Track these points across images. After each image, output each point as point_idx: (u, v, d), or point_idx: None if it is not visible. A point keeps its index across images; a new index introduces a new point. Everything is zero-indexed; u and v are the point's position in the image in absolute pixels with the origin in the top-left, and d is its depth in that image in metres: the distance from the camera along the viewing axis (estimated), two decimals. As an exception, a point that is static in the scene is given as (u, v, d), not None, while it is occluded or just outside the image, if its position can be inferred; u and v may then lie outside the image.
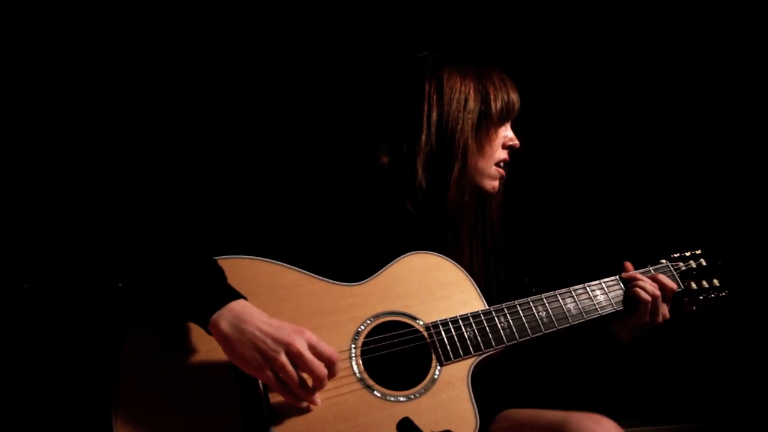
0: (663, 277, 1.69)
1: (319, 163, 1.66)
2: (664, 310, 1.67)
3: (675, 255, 1.80)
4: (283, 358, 1.24)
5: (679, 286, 1.72)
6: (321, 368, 1.27)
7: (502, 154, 1.74)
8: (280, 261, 1.48)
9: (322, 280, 1.49)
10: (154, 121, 1.98)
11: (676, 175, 2.57)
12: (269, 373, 1.25)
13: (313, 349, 1.27)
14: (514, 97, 1.72)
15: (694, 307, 1.74)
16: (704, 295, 1.73)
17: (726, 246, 1.82)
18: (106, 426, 1.24)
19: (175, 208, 1.48)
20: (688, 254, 1.79)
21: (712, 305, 1.75)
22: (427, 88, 1.66)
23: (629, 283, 1.69)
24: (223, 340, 1.26)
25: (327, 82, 2.19)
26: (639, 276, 1.69)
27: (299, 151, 1.83)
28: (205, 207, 1.53)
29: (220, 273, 1.35)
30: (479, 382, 1.59)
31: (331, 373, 1.30)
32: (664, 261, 1.78)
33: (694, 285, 1.74)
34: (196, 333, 1.35)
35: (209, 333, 1.28)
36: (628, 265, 1.74)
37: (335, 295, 1.49)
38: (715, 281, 1.75)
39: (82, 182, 1.89)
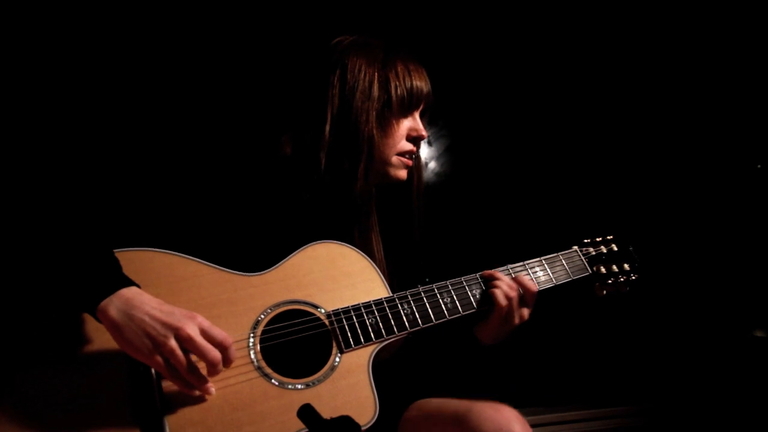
0: (524, 278, 1.65)
1: (221, 154, 1.66)
2: (523, 312, 1.64)
3: (586, 240, 1.82)
4: (173, 342, 1.24)
5: (586, 270, 1.74)
6: (213, 352, 1.26)
7: (407, 146, 1.70)
8: (182, 253, 1.48)
9: (222, 270, 1.49)
10: (53, 108, 1.95)
11: (593, 165, 2.61)
12: (159, 359, 1.24)
13: (205, 334, 1.27)
14: (420, 84, 1.68)
15: (604, 291, 1.77)
16: (613, 279, 1.75)
17: (638, 232, 1.85)
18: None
19: (73, 198, 1.46)
20: (599, 239, 1.82)
21: (622, 290, 1.78)
22: (331, 77, 1.64)
23: (488, 282, 1.66)
24: (113, 326, 1.24)
25: (235, 72, 2.17)
26: (498, 275, 1.66)
27: (201, 142, 1.82)
28: (104, 198, 1.52)
29: (114, 262, 1.34)
30: (389, 373, 1.61)
31: (225, 359, 1.30)
32: (574, 247, 1.80)
33: (603, 269, 1.76)
34: (92, 325, 1.34)
35: (99, 320, 1.27)
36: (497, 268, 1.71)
37: (235, 285, 1.48)
38: (626, 266, 1.77)
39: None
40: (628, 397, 2.52)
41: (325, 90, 1.64)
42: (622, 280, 1.75)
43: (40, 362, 1.28)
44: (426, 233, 1.84)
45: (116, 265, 1.34)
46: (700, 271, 2.43)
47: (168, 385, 1.32)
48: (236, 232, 1.55)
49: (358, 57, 1.66)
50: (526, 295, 1.64)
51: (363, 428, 1.38)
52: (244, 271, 1.51)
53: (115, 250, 1.38)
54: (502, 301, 1.60)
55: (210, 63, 2.14)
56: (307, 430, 1.28)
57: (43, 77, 1.98)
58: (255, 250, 1.53)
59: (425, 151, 2.76)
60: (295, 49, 1.91)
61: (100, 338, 1.34)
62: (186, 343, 1.25)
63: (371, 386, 1.45)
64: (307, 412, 1.23)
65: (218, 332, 1.29)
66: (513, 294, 1.61)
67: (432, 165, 2.73)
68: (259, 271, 1.52)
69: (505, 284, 1.62)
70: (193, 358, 1.29)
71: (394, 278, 1.71)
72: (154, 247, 1.46)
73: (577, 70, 2.62)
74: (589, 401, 2.50)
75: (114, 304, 1.25)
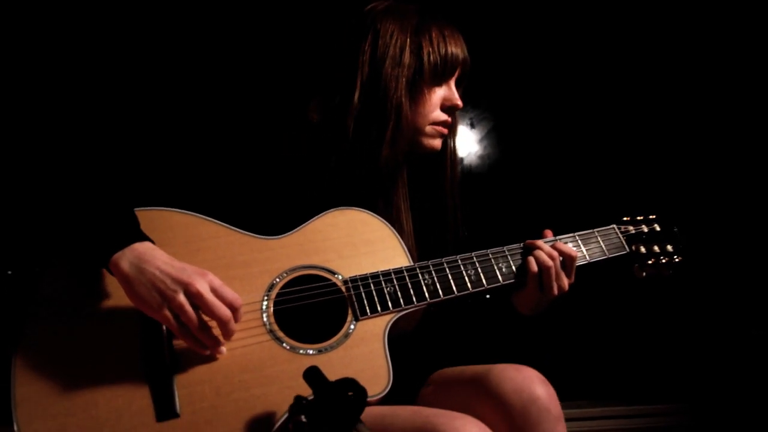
0: (563, 245, 1.57)
1: (247, 118, 1.64)
2: (562, 282, 1.55)
3: (625, 218, 1.71)
4: (182, 297, 1.22)
5: (624, 249, 1.63)
6: (222, 309, 1.24)
7: (441, 115, 1.63)
8: (202, 214, 1.47)
9: (240, 232, 1.47)
10: (83, 70, 1.99)
11: (639, 146, 2.48)
12: (167, 313, 1.23)
13: (215, 292, 1.25)
14: (455, 51, 1.60)
15: (644, 273, 1.65)
16: (654, 259, 1.63)
17: (684, 215, 1.72)
18: (7, 372, 1.25)
19: (98, 158, 1.47)
20: (639, 218, 1.70)
21: (664, 273, 1.65)
22: (362, 43, 1.59)
23: (525, 252, 1.58)
24: (124, 279, 1.24)
25: (264, 36, 2.14)
26: (538, 244, 1.57)
27: (227, 106, 1.80)
28: (128, 160, 1.52)
29: (131, 218, 1.34)
30: (412, 346, 1.55)
31: (235, 319, 1.27)
32: (612, 225, 1.69)
33: (643, 249, 1.64)
34: (109, 281, 1.34)
35: (112, 273, 1.27)
36: (548, 233, 1.64)
37: (252, 247, 1.46)
38: (669, 247, 1.65)
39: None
40: (666, 395, 2.37)
41: (356, 57, 1.59)
42: (664, 261, 1.63)
43: (58, 317, 1.29)
44: (465, 213, 1.77)
45: (133, 221, 1.34)
46: (752, 260, 2.26)
47: (178, 343, 1.31)
48: (258, 196, 1.53)
49: (390, 22, 1.59)
50: (566, 262, 1.55)
51: (376, 397, 1.33)
52: (261, 235, 1.48)
53: (135, 209, 1.39)
54: (535, 267, 1.53)
55: (237, 27, 2.12)
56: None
57: (82, 51, 2.02)
58: (276, 215, 1.50)
59: (468, 135, 2.69)
60: (328, 15, 1.86)
61: (116, 295, 1.34)
62: (195, 298, 1.23)
63: (386, 356, 1.39)
64: (312, 374, 1.19)
65: (229, 292, 1.27)
66: (550, 262, 1.53)
67: (475, 148, 2.65)
68: (277, 235, 1.49)
69: (543, 252, 1.55)
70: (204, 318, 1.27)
71: (424, 252, 1.65)
72: (175, 208, 1.46)
73: (625, 45, 2.49)
74: (627, 397, 2.37)
75: (126, 257, 1.24)
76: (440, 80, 1.63)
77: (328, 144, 1.59)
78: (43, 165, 1.37)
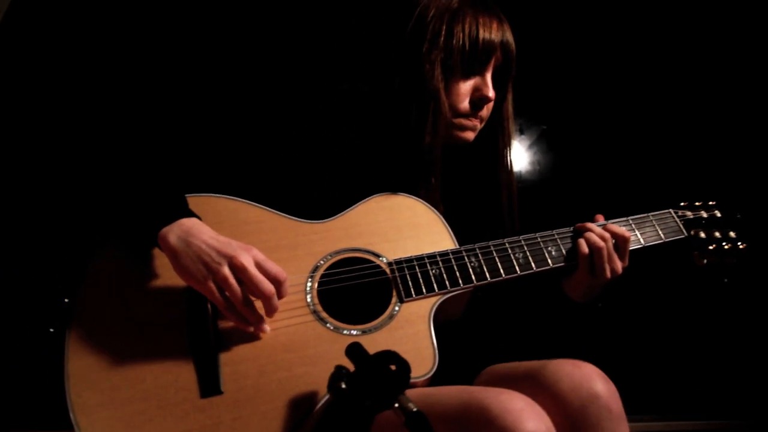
0: (615, 226, 1.51)
1: (293, 107, 1.66)
2: (615, 265, 1.48)
3: (682, 204, 1.63)
4: (226, 270, 1.23)
5: (681, 233, 1.55)
6: (266, 284, 1.24)
7: (466, 106, 1.58)
8: (248, 200, 1.50)
9: (286, 217, 1.48)
10: (139, 58, 2.07)
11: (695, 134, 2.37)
12: (212, 285, 1.24)
13: (259, 266, 1.26)
14: (488, 37, 1.55)
15: (705, 261, 1.56)
16: (715, 245, 1.54)
17: (747, 202, 1.63)
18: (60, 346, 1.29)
19: (153, 145, 1.53)
20: (698, 204, 1.62)
21: (727, 260, 1.56)
22: (405, 28, 1.59)
23: (576, 235, 1.52)
24: (171, 252, 1.26)
25: (312, 18, 2.16)
26: (589, 226, 1.52)
27: (273, 93, 1.83)
28: (180, 146, 1.56)
29: (180, 198, 1.37)
30: (456, 337, 1.51)
31: (279, 293, 1.27)
32: (668, 209, 1.61)
33: (702, 234, 1.56)
34: (157, 261, 1.37)
35: (160, 248, 1.30)
36: (599, 217, 1.58)
37: (297, 231, 1.47)
38: (731, 233, 1.56)
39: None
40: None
41: (399, 41, 1.60)
42: (727, 247, 1.54)
43: (109, 295, 1.33)
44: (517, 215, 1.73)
45: (181, 200, 1.37)
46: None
47: (224, 322, 1.32)
48: (304, 181, 1.54)
49: (432, 7, 1.58)
50: (618, 243, 1.49)
51: (421, 378, 1.30)
52: (309, 220, 1.49)
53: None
54: (586, 249, 1.47)
55: (284, 9, 2.15)
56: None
57: (145, 45, 2.12)
58: (321, 200, 1.51)
59: (517, 141, 2.65)
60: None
61: (164, 275, 1.37)
62: (239, 272, 1.24)
63: (431, 337, 1.36)
64: (355, 350, 1.17)
65: (273, 266, 1.27)
66: (601, 243, 1.47)
67: (525, 154, 2.61)
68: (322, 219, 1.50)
69: (594, 233, 1.49)
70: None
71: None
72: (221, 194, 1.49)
73: (673, 39, 2.42)
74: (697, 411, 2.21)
75: (174, 231, 1.27)
76: (473, 69, 1.59)
77: (372, 130, 1.59)
78: (102, 150, 1.43)
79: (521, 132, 2.61)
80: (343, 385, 1.08)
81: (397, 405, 1.06)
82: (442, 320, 1.48)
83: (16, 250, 1.74)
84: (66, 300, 1.33)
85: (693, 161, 2.34)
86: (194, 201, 1.41)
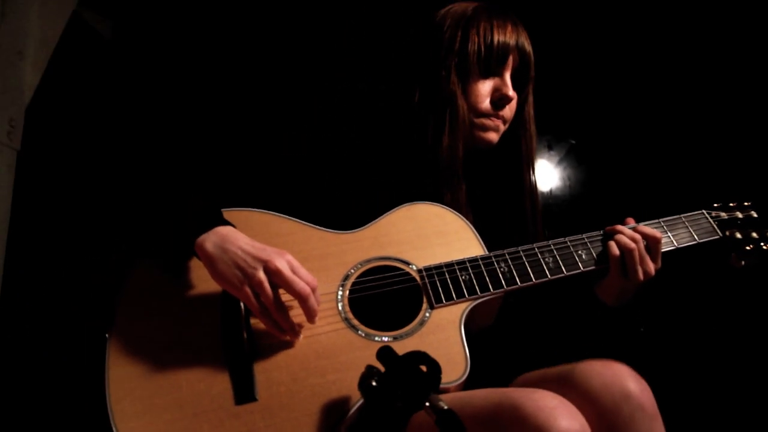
0: (645, 227, 1.50)
1: (320, 121, 1.71)
2: (647, 266, 1.47)
3: (716, 205, 1.60)
4: (261, 274, 1.26)
5: (716, 233, 1.52)
6: (301, 285, 1.26)
7: (487, 106, 1.61)
8: (281, 213, 1.53)
9: (316, 228, 1.51)
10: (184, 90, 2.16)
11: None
12: (248, 290, 1.26)
13: (294, 271, 1.28)
14: (503, 40, 1.58)
15: (743, 262, 1.52)
16: (753, 245, 1.51)
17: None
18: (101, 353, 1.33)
19: (192, 162, 1.59)
20: (732, 204, 1.59)
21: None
22: (424, 39, 1.64)
23: (609, 237, 1.51)
24: (208, 259, 1.30)
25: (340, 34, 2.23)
26: (619, 228, 1.51)
27: (300, 108, 1.88)
28: (215, 163, 1.62)
29: (216, 207, 1.42)
30: (489, 345, 1.50)
31: (313, 299, 1.29)
32: (702, 210, 1.59)
33: (739, 235, 1.52)
34: (195, 272, 1.41)
35: (197, 256, 1.33)
36: (629, 220, 1.56)
37: (328, 242, 1.49)
38: (769, 233, 1.53)
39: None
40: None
41: (417, 51, 1.64)
42: (766, 248, 1.50)
43: (149, 305, 1.37)
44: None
45: (217, 210, 1.41)
46: None
47: (258, 330, 1.35)
48: (332, 193, 1.57)
49: (448, 17, 1.64)
50: (650, 245, 1.48)
51: (453, 383, 1.29)
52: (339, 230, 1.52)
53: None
54: (617, 251, 1.46)
55: (312, 25, 2.22)
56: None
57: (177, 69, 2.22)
58: (350, 212, 1.53)
59: (546, 156, 2.65)
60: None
61: (201, 286, 1.41)
62: (274, 276, 1.26)
63: (462, 343, 1.35)
64: (386, 353, 1.18)
65: (305, 272, 1.30)
66: (632, 245, 1.46)
67: (555, 170, 2.61)
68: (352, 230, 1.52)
69: (624, 235, 1.48)
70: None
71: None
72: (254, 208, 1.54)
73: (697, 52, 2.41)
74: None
75: (210, 239, 1.31)
76: (490, 70, 1.61)
77: (395, 140, 1.62)
78: (147, 167, 1.50)
79: (550, 148, 2.62)
80: (374, 383, 1.08)
81: (428, 404, 1.07)
82: (474, 329, 1.48)
83: (64, 259, 1.85)
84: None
85: (726, 164, 2.30)
86: (229, 215, 1.45)
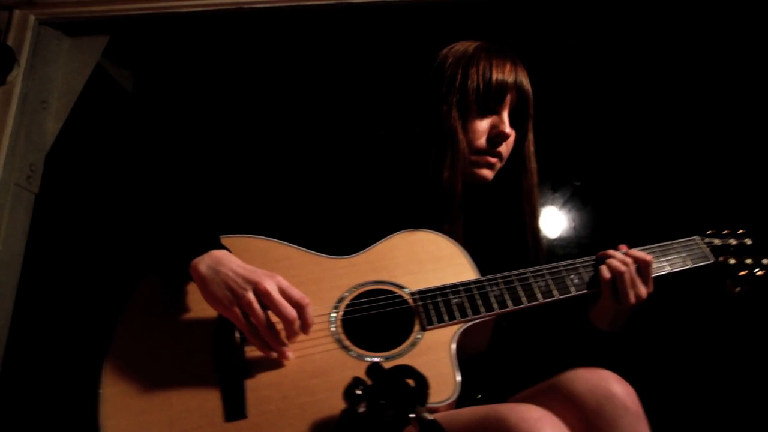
0: (636, 251, 1.50)
1: (318, 149, 1.76)
2: (638, 289, 1.47)
3: (709, 232, 1.60)
4: (251, 295, 1.29)
5: (709, 258, 1.52)
6: (289, 309, 1.29)
7: (483, 143, 1.64)
8: (278, 239, 1.57)
9: (312, 253, 1.54)
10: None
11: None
12: (237, 311, 1.29)
13: (283, 293, 1.31)
14: (501, 78, 1.63)
15: (737, 289, 1.51)
16: (747, 271, 1.50)
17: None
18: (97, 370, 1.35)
19: (191, 190, 1.65)
20: (726, 232, 1.59)
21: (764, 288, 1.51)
22: (428, 75, 1.70)
23: (601, 261, 1.52)
24: (200, 280, 1.33)
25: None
26: (611, 253, 1.52)
27: (298, 135, 1.94)
28: (214, 190, 1.67)
29: (213, 233, 1.46)
30: (483, 370, 1.50)
31: (302, 317, 1.31)
32: (695, 237, 1.59)
33: (732, 261, 1.52)
34: (191, 295, 1.44)
35: (191, 278, 1.37)
36: (622, 246, 1.57)
37: (324, 266, 1.52)
38: (765, 260, 1.52)
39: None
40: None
41: (421, 85, 1.71)
42: (759, 274, 1.50)
43: (146, 326, 1.40)
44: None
45: (215, 236, 1.46)
46: None
47: (250, 350, 1.36)
48: (330, 220, 1.60)
49: (450, 56, 1.70)
50: (641, 268, 1.48)
51: (443, 403, 1.28)
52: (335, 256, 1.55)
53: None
54: (608, 274, 1.47)
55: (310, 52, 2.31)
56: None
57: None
58: (347, 238, 1.57)
59: (550, 200, 2.68)
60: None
61: (196, 308, 1.44)
62: (263, 297, 1.29)
63: (453, 363, 1.35)
64: (375, 369, 1.18)
65: (296, 291, 1.32)
66: (623, 268, 1.47)
67: (559, 212, 2.63)
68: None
69: (615, 259, 1.49)
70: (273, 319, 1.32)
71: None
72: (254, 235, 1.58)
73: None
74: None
75: (205, 261, 1.35)
76: (488, 108, 1.66)
77: (394, 170, 1.67)
78: (153, 195, 1.57)
79: (554, 191, 2.65)
80: (358, 392, 1.09)
81: (413, 416, 1.07)
82: (468, 354, 1.48)
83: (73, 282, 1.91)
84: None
85: (727, 199, 2.30)
86: (228, 241, 1.49)
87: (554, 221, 2.62)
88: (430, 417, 1.05)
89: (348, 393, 1.09)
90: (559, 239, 2.60)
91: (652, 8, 2.38)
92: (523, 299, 1.46)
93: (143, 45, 2.64)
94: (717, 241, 1.57)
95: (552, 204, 2.64)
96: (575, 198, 2.61)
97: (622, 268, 1.46)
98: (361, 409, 1.09)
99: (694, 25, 2.42)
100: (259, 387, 1.32)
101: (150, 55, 2.65)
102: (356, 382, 1.12)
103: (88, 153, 2.51)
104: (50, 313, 1.97)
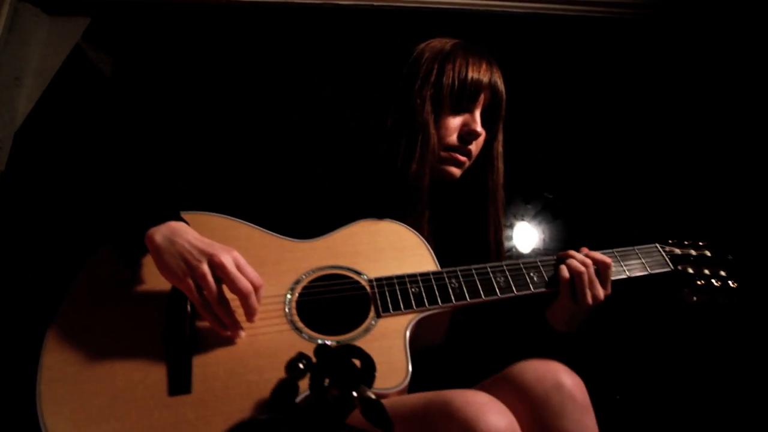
0: (596, 253, 1.51)
1: (285, 131, 1.75)
2: (596, 291, 1.47)
3: (670, 241, 1.61)
4: (205, 267, 1.26)
5: (667, 266, 1.53)
6: (243, 281, 1.27)
7: (453, 141, 1.65)
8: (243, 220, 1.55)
9: (274, 235, 1.52)
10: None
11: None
12: (190, 282, 1.27)
13: (239, 268, 1.29)
14: (476, 77, 1.64)
15: (695, 298, 1.52)
16: (705, 281, 1.51)
17: (740, 244, 1.61)
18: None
19: (154, 165, 1.63)
20: (687, 242, 1.60)
21: (719, 300, 1.51)
22: (402, 69, 1.70)
23: (561, 261, 1.53)
24: (155, 250, 1.31)
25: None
26: (571, 253, 1.52)
27: (267, 118, 1.93)
28: (176, 166, 1.65)
29: (172, 205, 1.43)
30: (437, 362, 1.49)
31: (256, 296, 1.29)
32: (655, 244, 1.60)
33: (691, 270, 1.53)
34: (145, 268, 1.42)
35: (147, 249, 1.34)
36: (583, 249, 1.56)
37: (284, 248, 1.50)
38: (722, 272, 1.54)
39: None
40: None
41: (395, 78, 1.70)
42: (717, 285, 1.50)
43: (95, 298, 1.37)
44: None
45: (174, 209, 1.43)
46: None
47: (201, 325, 1.34)
48: (294, 204, 1.59)
49: (426, 51, 1.71)
50: (600, 270, 1.48)
51: (393, 390, 1.27)
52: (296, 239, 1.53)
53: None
54: (567, 274, 1.47)
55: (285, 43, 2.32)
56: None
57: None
58: (311, 223, 1.55)
59: (522, 210, 2.69)
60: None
61: (150, 281, 1.41)
62: (218, 269, 1.27)
63: (405, 351, 1.33)
64: (322, 350, 1.16)
65: (251, 271, 1.30)
66: (582, 269, 1.47)
67: (529, 224, 2.64)
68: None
69: (575, 259, 1.49)
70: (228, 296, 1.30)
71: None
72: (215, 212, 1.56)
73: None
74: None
75: (161, 231, 1.32)
76: (461, 106, 1.66)
77: (363, 159, 1.66)
78: (107, 171, 1.54)
79: (527, 203, 2.66)
80: (301, 366, 1.06)
81: (355, 394, 1.05)
82: (423, 345, 1.46)
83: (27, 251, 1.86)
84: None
85: (691, 207, 2.34)
86: (188, 216, 1.46)
87: (526, 233, 2.64)
88: (372, 396, 1.03)
89: (290, 365, 1.06)
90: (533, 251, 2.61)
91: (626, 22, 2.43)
92: (481, 293, 1.45)
93: (125, 31, 2.63)
94: (677, 251, 1.58)
95: (524, 216, 2.65)
96: (546, 210, 2.63)
97: (581, 268, 1.46)
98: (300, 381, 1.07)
99: (663, 37, 2.47)
100: (206, 363, 1.29)
101: (131, 40, 2.64)
102: (300, 356, 1.10)
103: (59, 133, 2.48)
104: (7, 285, 1.92)
